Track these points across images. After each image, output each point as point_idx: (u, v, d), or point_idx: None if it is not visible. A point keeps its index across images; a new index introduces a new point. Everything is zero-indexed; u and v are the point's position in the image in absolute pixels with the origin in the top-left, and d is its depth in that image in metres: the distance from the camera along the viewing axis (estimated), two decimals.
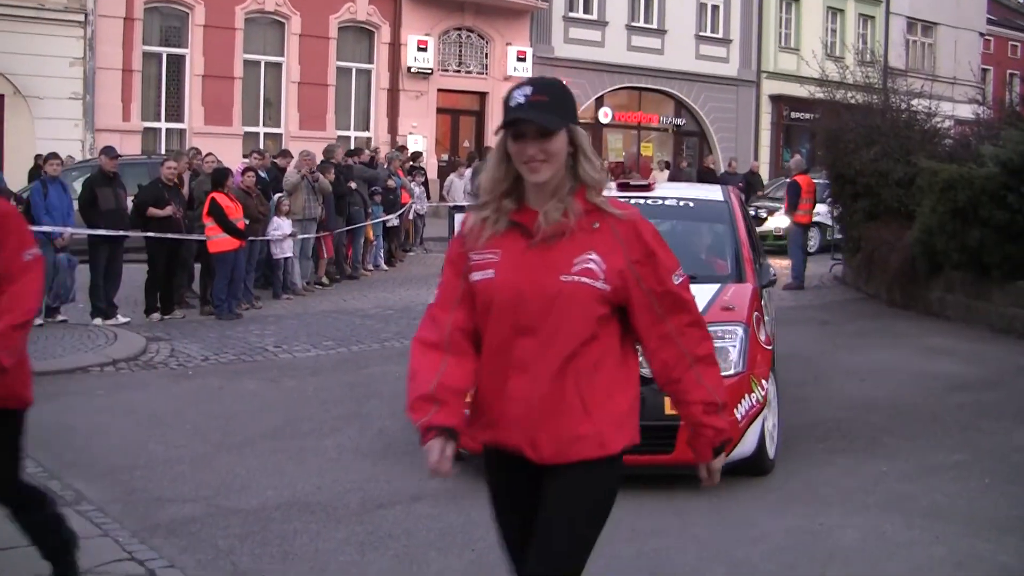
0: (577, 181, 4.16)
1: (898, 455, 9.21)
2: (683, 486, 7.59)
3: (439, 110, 34.86)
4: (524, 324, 3.93)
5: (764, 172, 37.58)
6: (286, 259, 18.50)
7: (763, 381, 8.54)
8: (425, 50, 33.52)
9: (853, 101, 21.96)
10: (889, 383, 12.21)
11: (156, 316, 15.94)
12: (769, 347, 9.00)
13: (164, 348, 13.93)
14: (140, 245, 16.24)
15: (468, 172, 25.59)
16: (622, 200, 8.58)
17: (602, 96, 38.96)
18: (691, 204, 10.58)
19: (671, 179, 32.94)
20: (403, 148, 27.86)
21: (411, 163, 25.64)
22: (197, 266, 17.37)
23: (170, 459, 8.91)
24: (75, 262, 15.40)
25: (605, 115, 39.24)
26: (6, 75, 25.47)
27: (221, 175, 16.62)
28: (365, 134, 32.88)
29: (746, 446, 8.21)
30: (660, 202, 10.29)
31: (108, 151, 16.00)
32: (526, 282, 3.94)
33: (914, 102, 21.62)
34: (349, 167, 21.00)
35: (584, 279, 3.96)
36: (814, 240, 25.74)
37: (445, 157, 33.15)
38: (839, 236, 23.21)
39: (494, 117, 35.29)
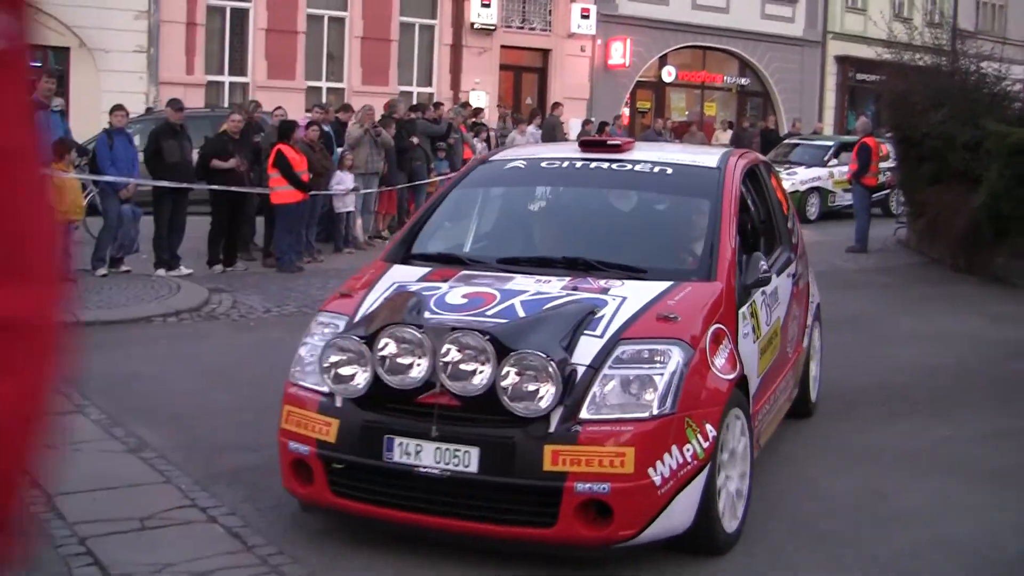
0: None
1: (961, 420, 9.15)
2: None
3: (502, 67, 34.66)
4: None
5: (828, 134, 37.14)
6: (348, 213, 18.58)
7: (708, 427, 5.80)
8: (488, 6, 33.31)
9: (921, 63, 21.68)
10: (952, 348, 12.11)
11: (219, 268, 16.09)
12: (729, 377, 6.17)
13: (226, 300, 14.06)
14: (204, 197, 16.35)
15: (530, 129, 25.51)
16: (585, 162, 7.51)
17: (666, 55, 38.59)
18: (668, 171, 7.69)
19: (734, 139, 32.68)
20: (466, 104, 27.80)
21: (473, 119, 25.59)
22: (260, 219, 17.46)
23: (232, 408, 9.01)
24: (139, 213, 15.52)
25: (669, 74, 38.90)
26: (72, 28, 25.56)
27: (288, 127, 16.71)
28: (427, 90, 32.78)
29: (674, 519, 5.77)
30: (629, 167, 7.71)
31: (174, 103, 16.09)
32: None
33: (983, 65, 21.29)
34: (412, 122, 20.99)
35: None
36: (814, 208, 26.35)
37: (508, 113, 33.00)
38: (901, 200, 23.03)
39: (557, 74, 35.17)
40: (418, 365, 5.77)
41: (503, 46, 34.43)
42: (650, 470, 5.59)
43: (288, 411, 6.24)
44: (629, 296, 6.31)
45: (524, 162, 8.34)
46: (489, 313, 6.09)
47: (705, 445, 5.81)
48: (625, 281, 6.55)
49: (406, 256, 7.29)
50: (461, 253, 7.48)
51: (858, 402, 9.59)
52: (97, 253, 15.05)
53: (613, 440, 5.58)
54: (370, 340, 5.86)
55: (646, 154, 8.15)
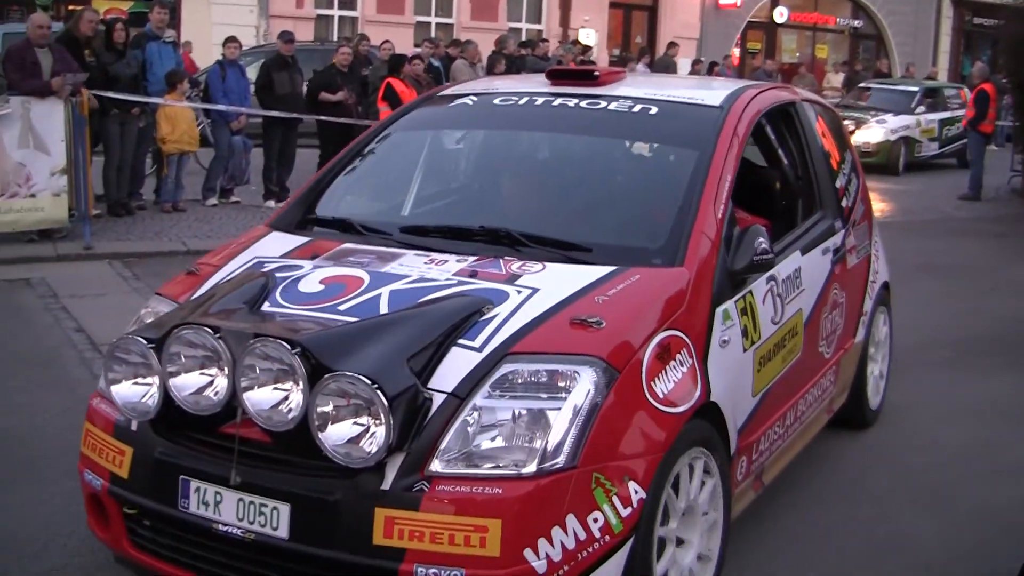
0: None
1: None
2: None
3: (612, 4, 34.38)
4: None
5: (943, 79, 36.41)
6: None
7: (633, 485, 4.07)
8: None
9: None
10: None
11: None
12: (678, 409, 4.36)
13: None
14: (312, 130, 16.44)
15: (639, 68, 25.28)
16: (548, 99, 6.02)
17: None
18: (652, 111, 5.79)
19: (845, 83, 32.18)
20: (575, 42, 27.64)
21: (582, 57, 25.42)
22: None
23: None
24: (250, 145, 15.66)
25: (780, 15, 38.35)
26: None
27: (398, 61, 16.74)
28: (536, 26, 32.65)
29: None
30: (601, 105, 5.83)
31: (284, 35, 16.16)
32: None
33: None
34: (521, 58, 20.91)
35: None
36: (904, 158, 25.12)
37: (617, 52, 32.72)
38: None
39: (667, 12, 34.83)
40: (215, 383, 4.19)
41: None
42: (528, 553, 3.84)
43: (87, 430, 4.70)
44: (543, 287, 4.56)
45: (474, 98, 6.39)
46: (342, 308, 4.44)
47: (625, 513, 4.03)
48: (549, 264, 4.79)
49: (303, 220, 5.69)
50: (357, 218, 5.61)
51: (969, 352, 9.41)
52: (207, 184, 15.26)
53: (471, 507, 3.83)
54: (160, 345, 4.27)
55: (630, 88, 6.12)
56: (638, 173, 5.97)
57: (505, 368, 4.10)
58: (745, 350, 5.09)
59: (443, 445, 3.93)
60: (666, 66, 26.81)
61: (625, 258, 4.86)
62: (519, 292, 4.52)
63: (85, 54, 13.33)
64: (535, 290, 4.53)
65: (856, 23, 40.85)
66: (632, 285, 4.63)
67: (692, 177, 5.26)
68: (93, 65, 13.30)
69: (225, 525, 4.12)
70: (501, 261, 4.82)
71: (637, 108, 5.78)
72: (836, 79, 33.71)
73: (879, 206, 19.11)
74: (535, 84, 6.38)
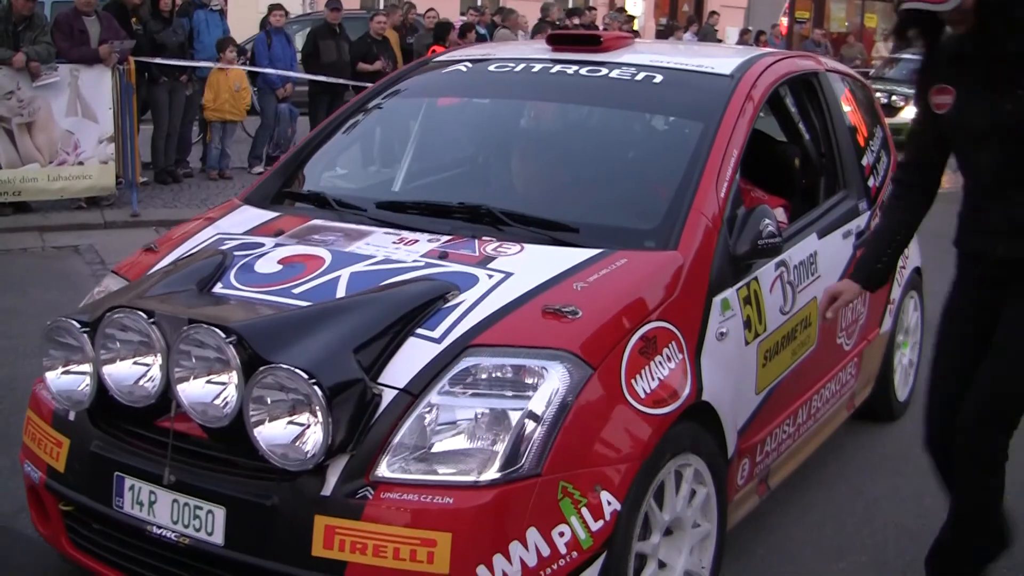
0: None
1: None
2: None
3: None
4: None
5: None
6: None
7: (606, 496, 3.63)
8: None
9: None
10: None
11: None
12: (662, 410, 3.88)
13: None
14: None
15: (686, 36, 25.14)
16: (545, 66, 5.48)
17: None
18: (657, 79, 5.27)
19: (894, 51, 31.87)
20: (622, 10, 27.50)
21: (627, 26, 25.30)
22: None
23: None
24: (296, 113, 15.69)
25: None
26: None
27: (443, 28, 16.71)
28: None
29: None
30: (602, 72, 5.35)
31: (331, 3, 16.12)
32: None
33: None
34: (566, 27, 20.80)
35: None
36: None
37: (663, 20, 32.54)
38: None
39: None
40: (150, 372, 3.85)
41: None
42: (482, 570, 3.44)
43: (28, 418, 4.39)
44: (517, 272, 4.13)
45: (469, 64, 5.90)
46: (297, 291, 4.07)
47: (596, 526, 3.59)
48: (527, 246, 4.36)
49: (279, 193, 5.33)
50: (332, 192, 5.21)
51: None
52: (254, 151, 15.28)
53: (419, 517, 3.44)
54: (94, 328, 3.94)
55: (636, 55, 5.61)
56: (637, 147, 5.61)
57: (465, 362, 3.67)
58: (747, 343, 4.61)
59: (391, 447, 3.52)
60: (707, 35, 26.66)
61: (615, 240, 4.39)
62: (490, 277, 4.08)
63: (132, 22, 13.36)
64: (508, 275, 4.10)
65: None
66: (617, 270, 4.16)
67: (694, 152, 4.77)
68: (140, 33, 13.32)
69: (159, 528, 3.78)
70: (476, 242, 4.39)
71: (640, 76, 5.27)
72: (885, 48, 33.38)
73: None
74: (536, 50, 5.93)
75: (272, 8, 15.78)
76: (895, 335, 6.73)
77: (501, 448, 3.50)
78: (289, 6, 17.55)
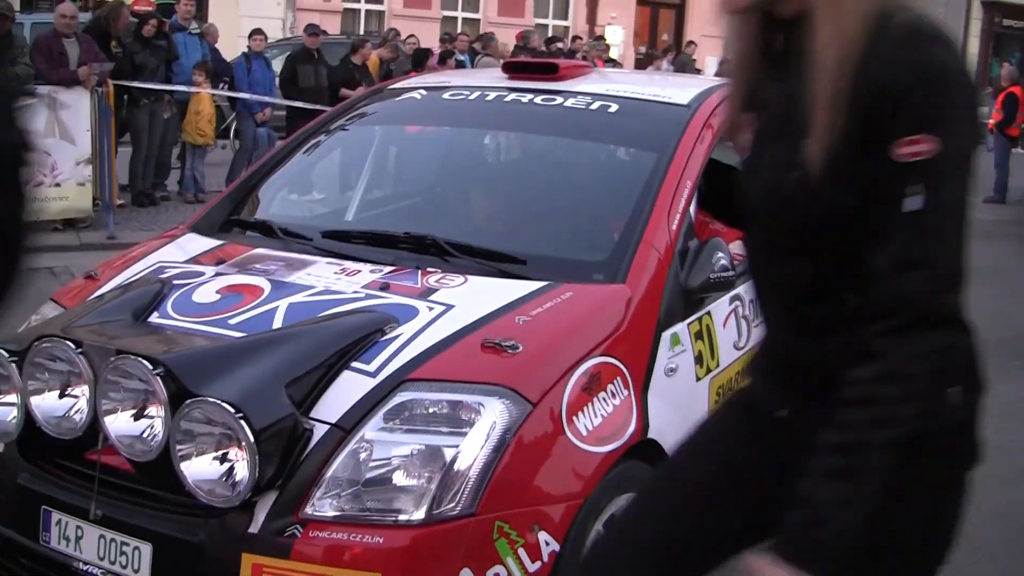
0: None
1: None
2: None
3: (639, 1, 34.35)
4: None
5: None
6: None
7: (544, 537, 3.49)
8: None
9: None
10: None
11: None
12: (604, 448, 3.72)
13: None
14: None
15: (664, 65, 25.24)
16: (500, 94, 5.35)
17: None
18: (612, 109, 5.09)
19: None
20: (601, 38, 27.61)
21: (606, 55, 25.41)
22: None
23: None
24: (275, 137, 15.67)
25: None
26: None
27: (422, 55, 16.78)
28: (563, 23, 32.66)
29: None
30: (557, 101, 5.18)
31: (310, 29, 16.20)
32: None
33: None
34: (547, 54, 20.89)
35: None
36: None
37: (643, 49, 32.67)
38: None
39: (694, 9, 34.72)
40: (78, 403, 3.73)
41: None
42: None
43: None
44: (459, 304, 3.98)
45: (424, 92, 5.77)
46: (233, 321, 3.91)
47: (534, 567, 3.44)
48: (472, 278, 4.21)
49: (226, 221, 5.15)
50: (279, 220, 5.04)
51: (991, 355, 9.26)
52: (231, 175, 15.30)
53: (348, 557, 3.32)
54: (22, 357, 3.79)
55: (593, 84, 5.45)
56: (589, 177, 5.39)
57: (401, 397, 3.52)
58: (699, 379, 4.44)
59: (322, 484, 3.37)
60: (684, 65, 26.76)
61: (563, 272, 4.24)
62: (430, 309, 3.93)
63: (111, 45, 13.39)
64: (449, 307, 3.95)
65: None
66: (561, 304, 4.00)
67: (646, 183, 4.60)
68: (120, 55, 13.35)
69: (85, 564, 3.64)
70: (419, 273, 4.24)
71: (596, 105, 5.10)
72: None
73: None
74: (493, 78, 5.79)
75: (253, 33, 15.82)
76: None
77: (435, 486, 3.34)
78: (269, 31, 17.64)
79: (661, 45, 31.61)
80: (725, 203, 5.12)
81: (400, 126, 6.07)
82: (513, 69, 5.78)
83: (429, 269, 4.28)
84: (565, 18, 33.05)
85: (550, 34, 27.10)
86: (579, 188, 5.28)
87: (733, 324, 4.78)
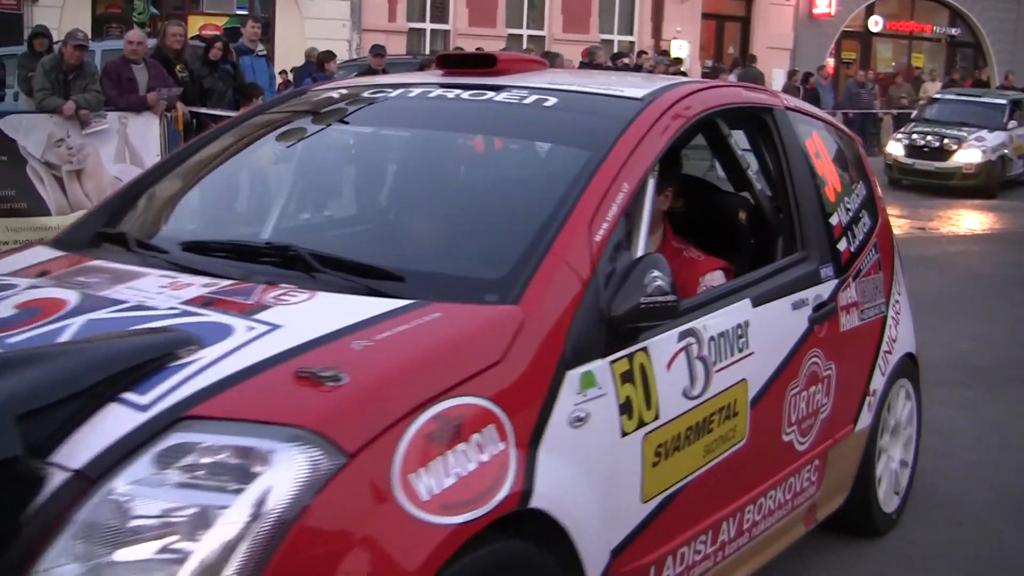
0: None
1: None
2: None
3: (704, 15, 34.21)
4: None
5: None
6: None
7: None
8: None
9: None
10: None
11: None
12: (457, 519, 2.86)
13: None
14: None
15: (731, 79, 25.08)
16: (425, 89, 4.67)
17: (872, 3, 37.58)
18: (549, 103, 4.35)
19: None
20: (665, 53, 27.54)
21: (674, 69, 25.30)
22: None
23: None
24: None
25: (875, 23, 37.87)
26: None
27: None
28: (628, 38, 32.58)
29: None
30: (486, 95, 4.45)
31: (375, 49, 16.26)
32: None
33: None
34: (613, 70, 20.84)
35: None
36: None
37: (709, 63, 32.52)
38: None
39: (760, 23, 34.62)
40: None
41: None
42: None
43: None
44: (289, 324, 3.21)
45: (344, 91, 5.12)
46: (13, 339, 3.22)
47: None
48: (320, 294, 3.45)
49: (96, 234, 4.37)
50: (140, 233, 4.32)
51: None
52: None
53: None
54: None
55: (535, 78, 4.74)
56: (505, 180, 4.62)
57: (174, 439, 2.70)
58: (626, 433, 3.54)
59: (50, 551, 2.56)
60: (753, 78, 26.47)
61: (447, 292, 3.40)
62: (250, 329, 3.16)
63: (177, 69, 13.49)
64: (273, 327, 3.16)
65: (953, 31, 40.22)
66: (420, 327, 3.18)
67: (569, 186, 3.78)
68: (186, 80, 13.44)
69: None
70: (260, 288, 3.49)
71: (531, 99, 4.35)
72: (933, 87, 33.15)
73: (979, 222, 18.75)
74: (428, 75, 5.20)
75: (325, 56, 15.93)
76: (877, 435, 5.57)
77: (199, 560, 2.51)
78: (336, 51, 17.75)
79: (727, 59, 31.48)
80: (704, 226, 4.68)
81: (306, 127, 5.07)
82: (448, 64, 5.08)
83: (282, 285, 3.51)
84: (630, 33, 32.96)
85: (615, 49, 26.99)
86: (491, 193, 4.53)
87: (683, 366, 3.86)
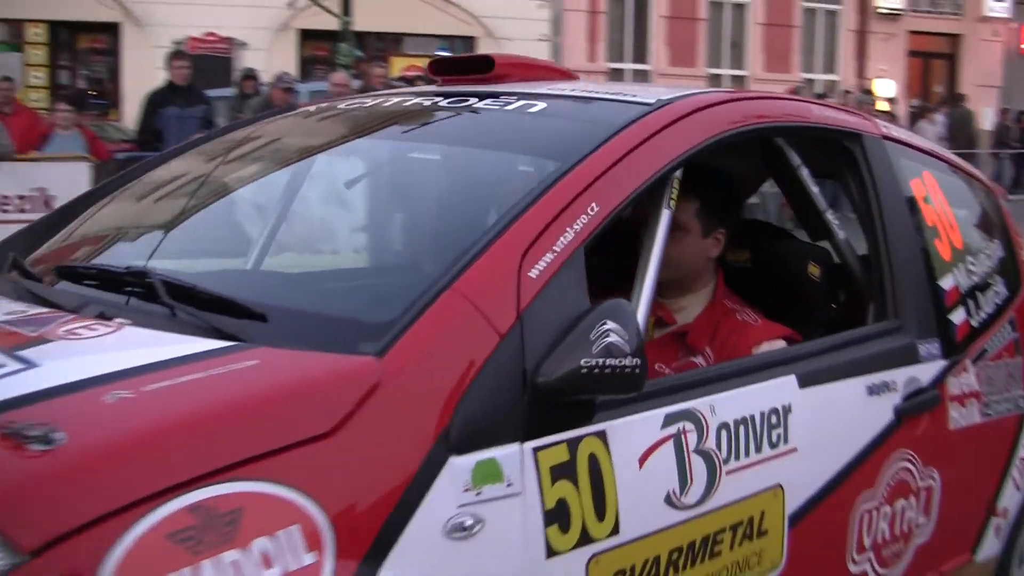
0: None
1: None
2: None
3: (910, 53, 33.49)
4: None
5: None
6: None
7: None
8: None
9: None
10: None
11: None
12: None
13: None
14: None
15: (939, 117, 24.42)
16: (409, 96, 3.95)
17: None
18: (535, 107, 3.40)
19: None
20: (868, 92, 26.97)
21: (879, 108, 24.76)
22: None
23: None
24: None
25: None
26: (478, 18, 26.42)
27: None
28: (831, 76, 32.04)
29: None
30: (467, 102, 3.61)
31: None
32: None
33: None
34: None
35: None
36: None
37: (915, 102, 31.81)
38: None
39: (968, 61, 33.75)
40: None
41: (910, 31, 33.34)
42: None
43: None
44: (50, 363, 2.49)
45: (322, 105, 4.32)
46: None
47: None
48: (130, 329, 2.71)
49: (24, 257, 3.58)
50: (27, 259, 3.52)
51: None
52: None
53: None
54: None
55: (540, 85, 3.81)
56: (440, 201, 3.71)
57: None
58: (553, 552, 2.57)
59: None
60: (963, 118, 25.59)
61: (315, 337, 2.58)
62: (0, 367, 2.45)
63: None
64: (29, 366, 2.45)
65: None
66: (214, 378, 2.37)
67: (513, 206, 2.81)
68: None
69: None
70: (62, 318, 2.79)
71: (514, 105, 3.46)
72: None
73: None
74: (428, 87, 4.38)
75: None
76: (1010, 568, 4.23)
77: None
78: None
79: (934, 98, 30.74)
80: (771, 284, 3.90)
81: (263, 147, 4.18)
82: (442, 71, 4.20)
83: (116, 318, 2.78)
84: (833, 72, 32.44)
85: (819, 89, 26.58)
86: (414, 217, 3.81)
87: (668, 461, 2.85)
